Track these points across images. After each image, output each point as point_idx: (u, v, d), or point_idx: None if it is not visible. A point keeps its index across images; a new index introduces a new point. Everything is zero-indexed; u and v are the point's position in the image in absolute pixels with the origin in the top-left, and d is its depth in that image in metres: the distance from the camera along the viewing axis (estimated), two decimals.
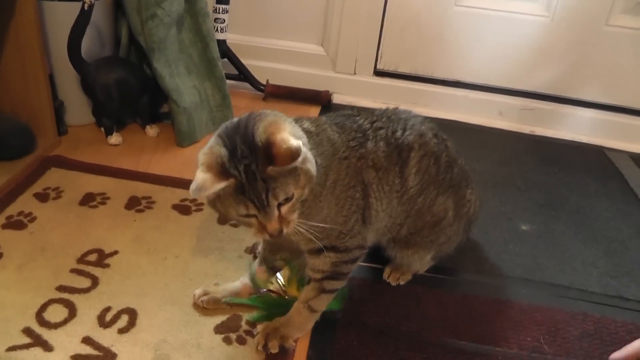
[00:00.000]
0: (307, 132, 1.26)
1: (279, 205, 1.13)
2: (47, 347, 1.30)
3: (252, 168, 1.08)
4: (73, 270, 1.53)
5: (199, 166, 1.11)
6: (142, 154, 2.14)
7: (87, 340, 1.33)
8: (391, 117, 1.47)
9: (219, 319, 1.43)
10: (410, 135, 1.43)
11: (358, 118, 1.44)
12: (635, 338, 1.46)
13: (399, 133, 1.43)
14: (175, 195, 1.88)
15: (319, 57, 2.85)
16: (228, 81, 2.44)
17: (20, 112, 2.01)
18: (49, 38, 2.08)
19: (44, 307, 1.41)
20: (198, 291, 1.48)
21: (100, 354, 1.30)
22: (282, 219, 1.15)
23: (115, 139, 2.17)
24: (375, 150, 1.38)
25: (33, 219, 1.71)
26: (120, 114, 2.23)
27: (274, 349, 1.35)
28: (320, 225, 1.23)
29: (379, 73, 2.82)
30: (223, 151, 1.11)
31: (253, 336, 1.39)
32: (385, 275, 1.61)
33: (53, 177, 1.91)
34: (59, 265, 1.54)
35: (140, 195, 1.86)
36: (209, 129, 2.33)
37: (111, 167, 2.00)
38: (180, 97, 2.17)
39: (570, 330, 1.52)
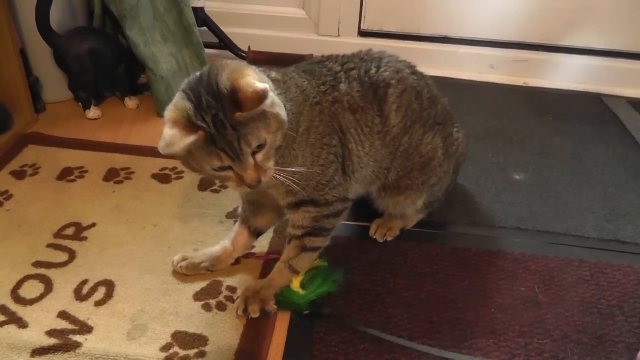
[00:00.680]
0: (274, 81, 1.22)
1: (253, 154, 1.10)
2: (21, 323, 1.26)
3: (219, 117, 1.06)
4: (50, 245, 1.49)
5: (165, 123, 1.08)
6: (121, 126, 2.09)
7: (62, 315, 1.29)
8: (364, 57, 1.41)
9: (199, 285, 1.39)
10: (385, 71, 1.38)
11: (327, 62, 1.38)
12: (633, 281, 1.42)
13: (372, 71, 1.37)
14: (155, 164, 1.84)
15: (301, 20, 2.77)
16: (209, 50, 2.39)
17: None
18: (18, 11, 2.02)
19: (19, 283, 1.37)
20: (176, 257, 1.43)
21: (76, 327, 1.26)
22: (258, 167, 1.11)
23: (93, 112, 2.11)
24: (349, 91, 1.33)
25: (9, 197, 1.67)
26: (97, 86, 2.17)
27: (254, 313, 1.30)
28: (297, 170, 1.20)
29: (363, 33, 2.75)
30: (187, 104, 1.08)
31: (233, 302, 1.34)
32: (371, 232, 1.56)
33: (30, 154, 1.86)
34: (36, 240, 1.50)
35: (119, 167, 1.82)
36: None
37: (89, 141, 1.96)
38: (157, 66, 2.11)
39: (565, 277, 1.47)
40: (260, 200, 1.40)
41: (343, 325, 1.27)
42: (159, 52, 2.14)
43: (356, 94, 1.33)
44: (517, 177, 1.89)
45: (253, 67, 1.16)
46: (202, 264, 1.42)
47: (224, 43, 2.59)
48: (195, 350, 1.22)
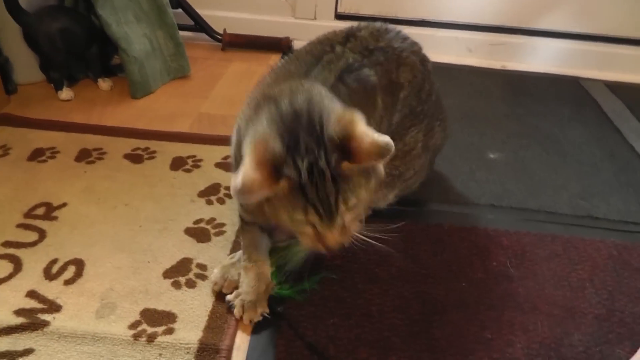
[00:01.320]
0: None
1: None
2: None
3: (319, 165, 0.92)
4: (20, 225, 1.47)
5: (246, 157, 0.93)
6: (94, 107, 2.07)
7: (31, 294, 1.27)
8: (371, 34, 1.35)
9: (169, 263, 1.38)
10: (403, 72, 1.36)
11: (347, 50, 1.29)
12: (604, 255, 1.42)
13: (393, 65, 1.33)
14: (128, 144, 1.82)
15: (277, 3, 2.77)
16: (184, 32, 2.38)
17: None
18: None
19: None
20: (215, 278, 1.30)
21: (45, 306, 1.25)
22: (344, 229, 0.99)
23: (66, 93, 2.09)
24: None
25: None
26: (69, 66, 2.15)
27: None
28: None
29: (340, 17, 2.74)
30: (279, 147, 0.94)
31: (203, 279, 1.33)
32: None
33: (0, 136, 1.83)
34: (5, 221, 1.48)
35: (91, 147, 1.80)
36: (163, 80, 2.27)
37: (61, 122, 1.93)
38: (130, 46, 2.09)
39: (537, 252, 1.47)
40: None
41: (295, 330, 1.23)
42: (132, 33, 2.12)
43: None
44: (492, 156, 1.89)
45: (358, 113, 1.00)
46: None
47: (199, 25, 2.59)
48: (163, 327, 1.21)
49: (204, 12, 2.62)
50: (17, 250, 1.39)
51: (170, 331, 1.20)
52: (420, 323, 1.24)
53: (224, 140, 1.76)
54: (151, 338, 1.18)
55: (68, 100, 2.09)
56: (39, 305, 1.25)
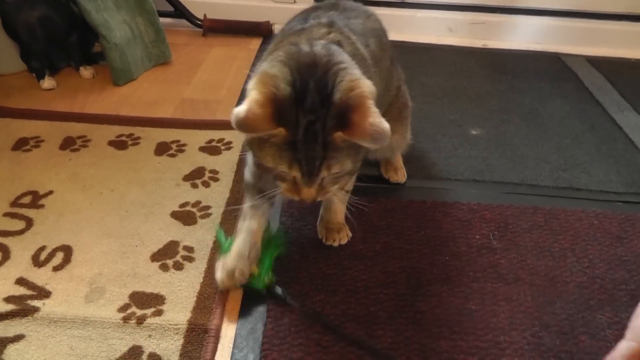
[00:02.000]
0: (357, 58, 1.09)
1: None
2: None
3: (316, 127, 0.93)
4: (6, 214, 1.47)
5: (255, 90, 0.94)
6: (77, 95, 2.07)
7: (20, 281, 1.28)
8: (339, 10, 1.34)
9: (156, 247, 1.39)
10: (374, 21, 1.41)
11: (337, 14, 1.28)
12: (585, 224, 1.44)
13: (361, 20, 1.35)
14: (112, 131, 1.83)
15: None
16: (165, 19, 2.40)
17: None
18: None
19: None
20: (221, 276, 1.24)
21: (34, 293, 1.25)
22: (321, 187, 1.02)
23: (48, 83, 2.08)
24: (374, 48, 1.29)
25: None
26: (50, 55, 2.15)
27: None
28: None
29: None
30: (287, 90, 0.94)
31: (191, 261, 1.34)
32: None
33: None
34: None
35: (75, 135, 1.80)
36: (145, 66, 2.27)
37: (45, 111, 1.93)
38: (110, 33, 2.09)
39: (520, 224, 1.49)
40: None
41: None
42: (112, 20, 2.12)
43: (377, 48, 1.30)
44: (474, 132, 1.91)
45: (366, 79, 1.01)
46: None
47: (180, 11, 2.59)
48: (152, 309, 1.22)
49: None
50: (4, 238, 1.40)
51: (159, 313, 1.21)
52: (405, 297, 1.25)
53: (207, 125, 1.79)
54: (140, 320, 1.19)
55: (50, 90, 2.09)
56: (29, 292, 1.25)
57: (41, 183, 1.59)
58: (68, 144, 1.76)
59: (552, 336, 1.18)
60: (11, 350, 1.12)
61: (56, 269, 1.32)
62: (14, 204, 1.51)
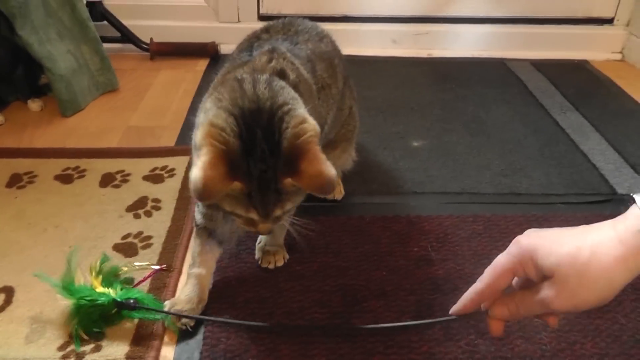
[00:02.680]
0: (297, 90, 1.09)
1: None
2: None
3: (268, 175, 0.96)
4: None
5: (200, 151, 0.94)
6: (25, 129, 2.05)
7: None
8: (292, 31, 1.38)
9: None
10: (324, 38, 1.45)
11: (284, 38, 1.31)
12: (524, 228, 1.43)
13: (317, 43, 1.39)
14: (58, 165, 1.81)
15: (201, 8, 2.77)
16: (111, 45, 2.41)
17: None
18: None
19: None
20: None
21: None
22: (276, 220, 1.05)
23: None
24: (322, 73, 1.32)
25: None
26: None
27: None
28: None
29: (263, 17, 2.75)
30: (237, 145, 0.95)
31: None
32: None
33: None
34: None
35: (22, 172, 1.79)
36: (92, 95, 2.26)
37: None
38: (55, 65, 2.08)
39: (459, 233, 1.50)
40: None
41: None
42: (56, 51, 2.11)
43: (325, 73, 1.33)
44: (415, 144, 1.92)
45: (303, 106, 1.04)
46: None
47: (126, 36, 2.59)
48: (91, 346, 1.21)
49: (129, 23, 2.63)
50: None
51: (98, 348, 1.20)
52: (341, 314, 1.25)
53: (151, 153, 1.79)
54: (80, 357, 1.18)
55: None
56: None
57: None
58: (15, 181, 1.75)
59: (487, 343, 1.18)
60: None
61: None
62: None
